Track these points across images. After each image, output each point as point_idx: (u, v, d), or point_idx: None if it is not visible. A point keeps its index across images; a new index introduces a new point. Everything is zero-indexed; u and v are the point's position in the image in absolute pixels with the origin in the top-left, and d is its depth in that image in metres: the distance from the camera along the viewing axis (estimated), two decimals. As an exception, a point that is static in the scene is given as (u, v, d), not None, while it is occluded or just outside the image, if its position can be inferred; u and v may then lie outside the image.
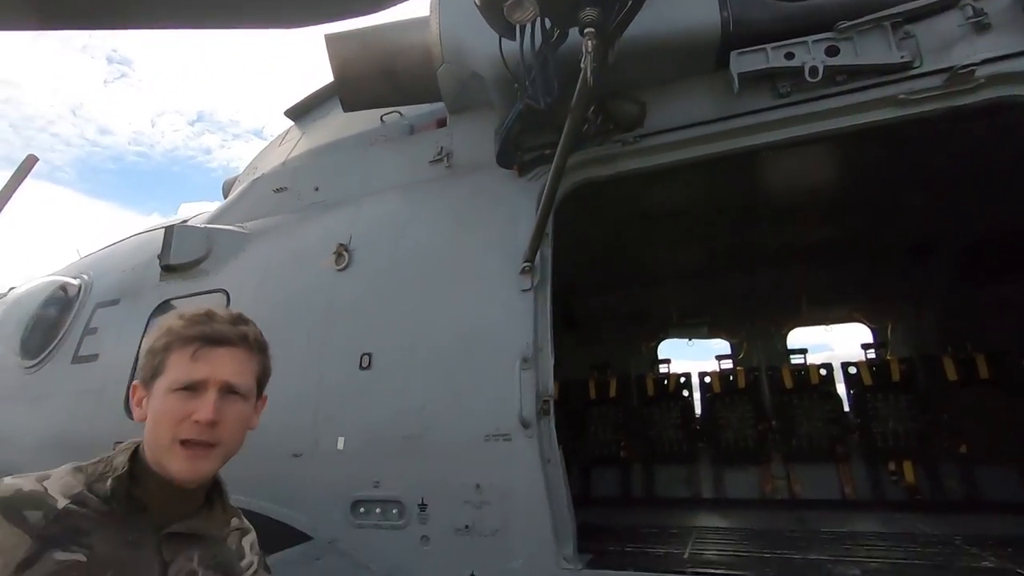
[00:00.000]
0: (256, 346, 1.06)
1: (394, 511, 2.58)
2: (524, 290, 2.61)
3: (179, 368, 0.96)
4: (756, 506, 4.42)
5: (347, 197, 3.42)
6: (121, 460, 0.97)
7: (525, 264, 2.59)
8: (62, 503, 0.89)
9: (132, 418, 1.05)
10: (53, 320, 4.10)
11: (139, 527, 0.94)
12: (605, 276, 5.19)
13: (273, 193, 3.76)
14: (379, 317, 2.87)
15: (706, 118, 2.60)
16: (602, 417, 5.48)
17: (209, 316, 1.01)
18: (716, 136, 2.61)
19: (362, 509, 2.64)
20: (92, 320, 3.86)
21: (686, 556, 2.52)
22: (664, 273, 5.03)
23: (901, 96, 2.30)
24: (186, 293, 3.57)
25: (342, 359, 2.86)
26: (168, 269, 3.61)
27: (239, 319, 1.05)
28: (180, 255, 3.55)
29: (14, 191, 11.15)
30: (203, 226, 3.68)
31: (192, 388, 0.96)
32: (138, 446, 1.00)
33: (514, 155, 2.80)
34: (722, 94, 2.56)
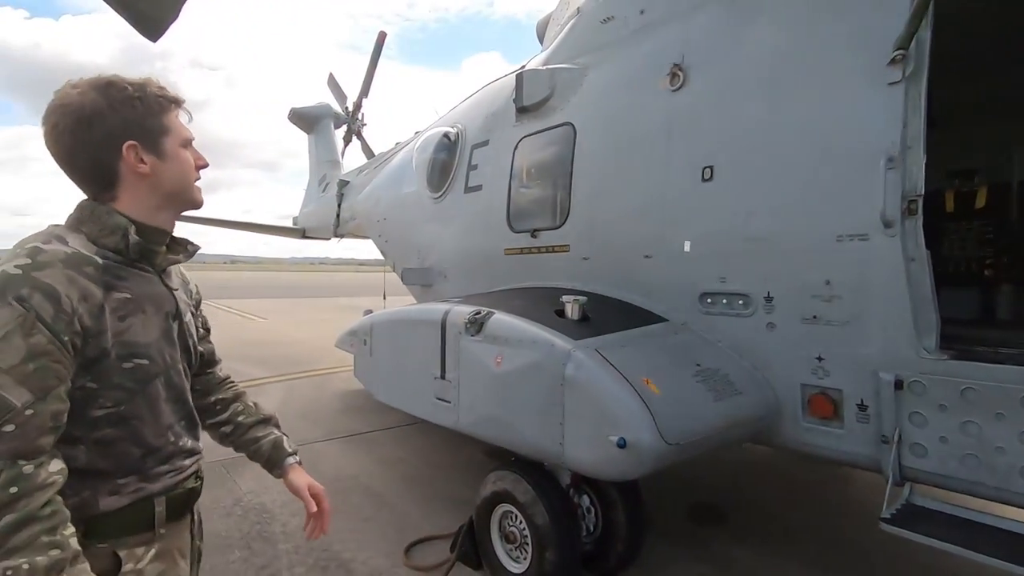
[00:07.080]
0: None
1: (740, 302, 2.97)
2: (892, 83, 2.40)
3: (180, 128, 1.22)
4: None
5: (675, 14, 3.44)
6: (120, 220, 1.14)
7: (897, 52, 2.34)
8: (99, 260, 1.10)
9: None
10: (445, 161, 5.43)
11: (145, 269, 1.20)
12: (991, 57, 4.08)
13: (600, 24, 3.99)
14: (720, 130, 3.01)
15: None
16: (961, 232, 4.72)
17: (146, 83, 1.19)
18: None
19: (709, 300, 3.10)
20: (472, 159, 4.98)
21: None
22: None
23: None
24: (538, 129, 4.27)
25: (683, 174, 3.17)
26: (522, 110, 4.33)
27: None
28: (531, 97, 4.20)
29: (375, 66, 13.80)
30: (546, 68, 4.21)
31: (189, 143, 1.24)
32: (105, 208, 1.15)
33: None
34: None
